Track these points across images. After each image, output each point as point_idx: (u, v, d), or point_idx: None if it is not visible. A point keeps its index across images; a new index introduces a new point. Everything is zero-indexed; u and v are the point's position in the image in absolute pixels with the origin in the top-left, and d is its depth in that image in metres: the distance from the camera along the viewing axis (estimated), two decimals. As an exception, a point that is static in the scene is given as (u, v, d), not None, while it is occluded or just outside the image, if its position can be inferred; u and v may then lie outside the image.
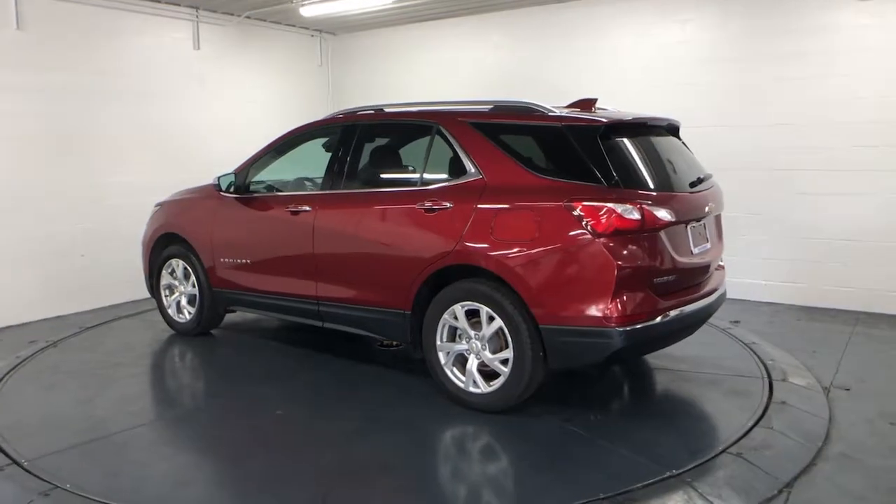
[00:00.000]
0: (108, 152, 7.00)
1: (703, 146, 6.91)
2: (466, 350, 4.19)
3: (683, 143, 4.81)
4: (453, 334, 4.26)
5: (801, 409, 4.20)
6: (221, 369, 5.25)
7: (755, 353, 5.23)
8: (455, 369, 4.26)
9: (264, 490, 3.30)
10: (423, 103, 4.80)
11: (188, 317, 5.80)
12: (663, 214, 3.86)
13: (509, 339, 3.97)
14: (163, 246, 5.91)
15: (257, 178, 5.35)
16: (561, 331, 3.82)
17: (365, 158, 4.83)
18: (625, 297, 3.73)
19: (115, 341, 5.77)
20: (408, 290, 4.36)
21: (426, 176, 4.45)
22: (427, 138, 4.47)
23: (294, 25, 8.89)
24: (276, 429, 4.06)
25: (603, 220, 3.71)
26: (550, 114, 4.10)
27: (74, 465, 3.56)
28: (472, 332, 4.15)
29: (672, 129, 4.68)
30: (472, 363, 4.17)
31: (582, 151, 3.90)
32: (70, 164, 6.71)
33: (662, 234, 3.89)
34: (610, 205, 3.72)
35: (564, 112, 4.17)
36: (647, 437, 3.82)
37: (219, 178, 5.35)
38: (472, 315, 4.15)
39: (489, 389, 4.11)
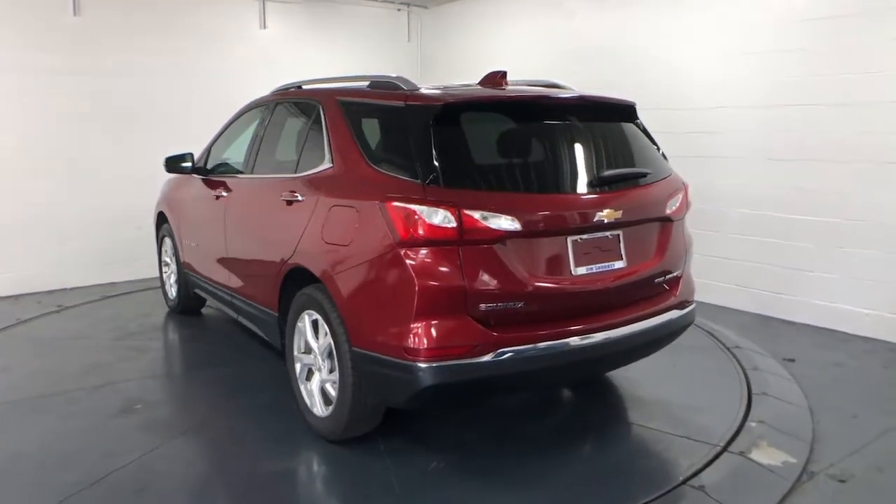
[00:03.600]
0: (168, 130, 7.25)
1: (796, 130, 5.44)
2: (313, 364, 3.65)
3: (639, 126, 3.70)
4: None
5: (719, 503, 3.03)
6: (163, 354, 5.13)
7: (749, 406, 3.94)
8: (308, 384, 3.73)
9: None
10: (333, 79, 4.23)
11: (174, 294, 5.88)
12: (501, 223, 2.96)
13: (336, 358, 3.37)
14: (161, 223, 6.03)
15: (215, 158, 5.16)
16: (368, 357, 3.12)
17: (269, 141, 4.40)
18: (435, 325, 2.92)
19: (112, 313, 5.99)
20: (273, 288, 3.91)
21: (301, 163, 3.91)
22: (312, 119, 3.94)
23: (377, 0, 8.59)
24: (118, 426, 3.83)
25: (407, 226, 2.94)
26: (406, 92, 3.34)
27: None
28: (314, 345, 3.60)
29: (611, 110, 3.61)
30: (315, 380, 3.62)
31: (412, 138, 3.11)
32: (129, 141, 7.09)
33: (499, 246, 2.98)
34: (415, 207, 2.92)
35: (427, 90, 3.36)
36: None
37: (166, 158, 5.23)
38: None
39: (326, 414, 3.53)
